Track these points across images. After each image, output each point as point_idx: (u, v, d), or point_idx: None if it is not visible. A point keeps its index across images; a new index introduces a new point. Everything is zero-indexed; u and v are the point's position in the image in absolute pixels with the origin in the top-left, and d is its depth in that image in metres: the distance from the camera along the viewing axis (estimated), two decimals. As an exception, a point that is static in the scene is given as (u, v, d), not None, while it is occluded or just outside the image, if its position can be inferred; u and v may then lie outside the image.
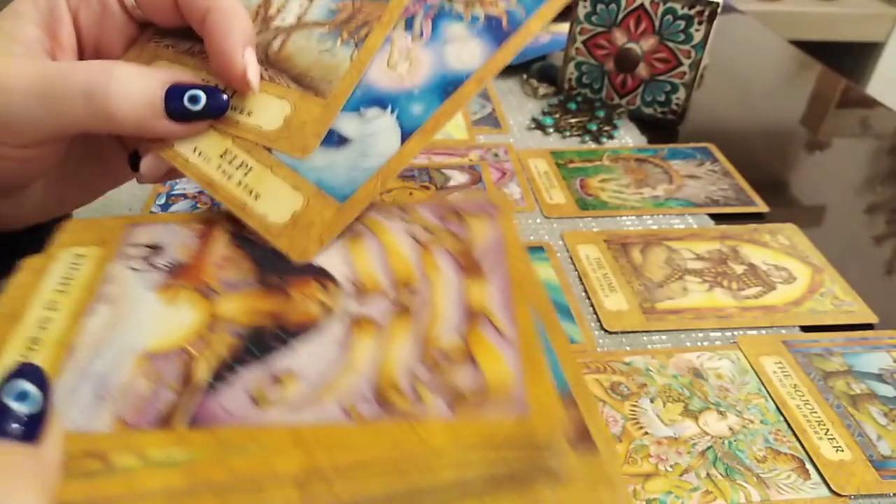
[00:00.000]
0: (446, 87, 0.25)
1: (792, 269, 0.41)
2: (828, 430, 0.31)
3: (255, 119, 0.26)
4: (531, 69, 0.64)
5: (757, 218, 0.47)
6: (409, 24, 0.27)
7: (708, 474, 0.29)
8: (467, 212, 0.25)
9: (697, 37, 0.53)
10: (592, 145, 0.54)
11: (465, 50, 0.26)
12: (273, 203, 0.24)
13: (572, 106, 0.59)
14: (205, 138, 0.26)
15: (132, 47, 0.29)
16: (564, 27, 0.66)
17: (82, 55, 0.29)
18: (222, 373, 0.20)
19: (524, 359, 0.19)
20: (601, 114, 0.58)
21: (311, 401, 0.19)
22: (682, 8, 0.53)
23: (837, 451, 0.30)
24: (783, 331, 0.37)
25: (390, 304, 0.22)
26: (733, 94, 0.67)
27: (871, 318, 0.38)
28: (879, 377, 0.34)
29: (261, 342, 0.21)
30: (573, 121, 0.57)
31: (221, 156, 0.26)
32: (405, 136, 0.25)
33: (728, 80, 0.69)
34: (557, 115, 0.58)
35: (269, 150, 0.25)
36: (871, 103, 0.67)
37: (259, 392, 0.20)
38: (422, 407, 0.18)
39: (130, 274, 0.24)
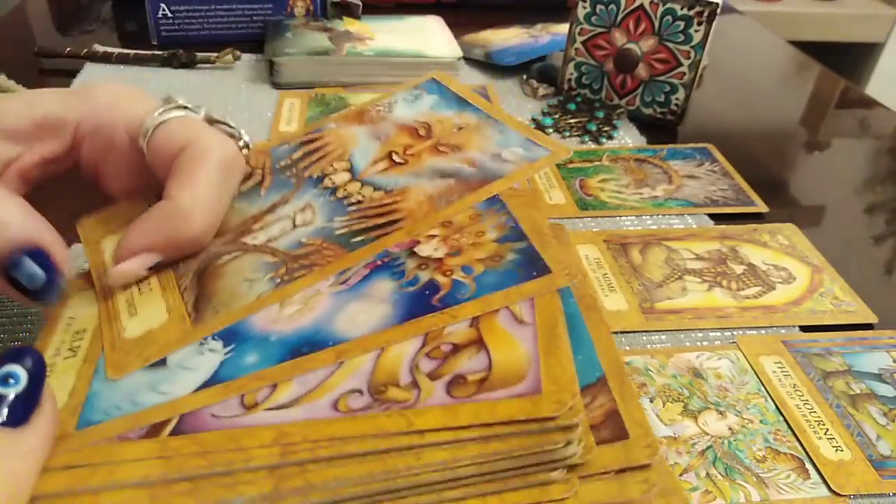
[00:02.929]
0: (301, 347, 0.22)
1: (791, 269, 0.41)
2: (827, 429, 0.31)
3: (131, 319, 0.24)
4: (531, 70, 0.64)
5: (756, 218, 0.47)
6: (343, 271, 0.25)
7: (707, 474, 0.29)
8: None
9: (697, 37, 0.53)
10: (592, 146, 0.54)
11: (364, 313, 0.22)
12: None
13: (572, 106, 0.59)
14: (84, 309, 0.25)
15: (140, 193, 0.29)
16: (564, 28, 0.66)
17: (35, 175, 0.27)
18: None
19: (541, 341, 0.18)
20: (601, 114, 0.58)
21: (302, 400, 0.19)
22: (682, 8, 0.53)
23: (837, 450, 0.30)
24: (783, 331, 0.37)
25: None
26: (733, 94, 0.67)
27: (871, 318, 0.38)
28: (879, 377, 0.34)
29: None
30: (573, 121, 0.57)
31: (74, 333, 0.24)
32: (208, 383, 0.21)
33: (727, 80, 0.69)
34: (557, 116, 0.58)
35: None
36: (870, 103, 0.67)
37: (251, 397, 0.19)
38: (418, 394, 0.17)
39: None
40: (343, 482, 0.16)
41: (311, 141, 0.31)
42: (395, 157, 0.28)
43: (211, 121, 0.29)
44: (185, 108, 0.28)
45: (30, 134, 0.26)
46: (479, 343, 0.18)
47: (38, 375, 0.18)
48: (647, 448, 0.16)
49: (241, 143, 0.29)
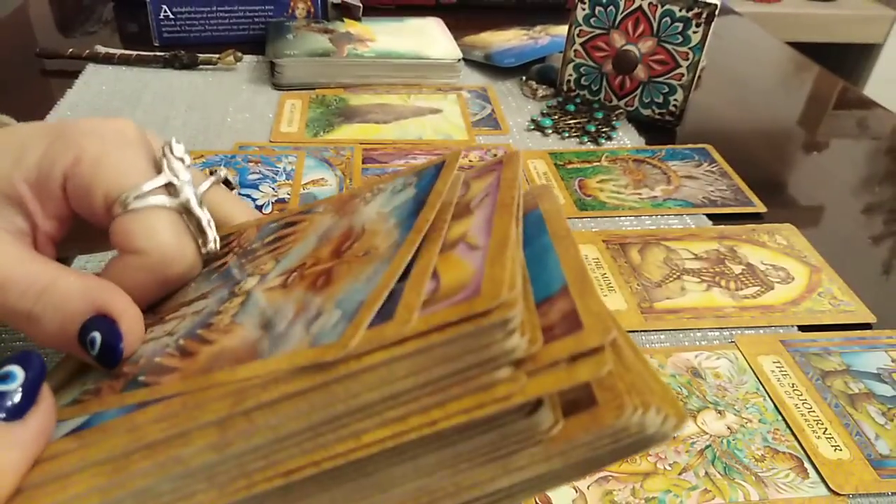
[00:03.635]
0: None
1: (790, 269, 0.41)
2: (826, 429, 0.32)
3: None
4: (530, 71, 0.64)
5: (755, 218, 0.47)
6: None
7: (706, 473, 0.30)
8: (473, 178, 0.23)
9: (695, 39, 0.54)
10: (591, 146, 0.55)
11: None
12: None
13: (571, 107, 0.59)
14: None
15: None
16: (563, 29, 0.66)
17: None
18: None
19: (489, 255, 0.16)
20: (600, 115, 0.58)
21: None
22: (680, 10, 0.53)
23: (835, 450, 0.31)
24: (781, 330, 0.37)
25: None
26: (731, 95, 0.67)
27: (869, 318, 0.38)
28: (877, 376, 0.35)
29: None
30: (572, 122, 0.57)
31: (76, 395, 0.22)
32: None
33: (726, 81, 0.70)
34: (556, 117, 0.58)
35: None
36: (868, 104, 0.67)
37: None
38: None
39: None
40: (283, 417, 0.15)
41: (293, 223, 0.25)
42: (292, 276, 0.21)
43: (187, 210, 0.24)
44: (172, 184, 0.24)
45: (29, 196, 0.24)
46: (431, 275, 0.17)
47: (36, 376, 0.19)
48: (601, 333, 0.14)
49: (210, 243, 0.25)
